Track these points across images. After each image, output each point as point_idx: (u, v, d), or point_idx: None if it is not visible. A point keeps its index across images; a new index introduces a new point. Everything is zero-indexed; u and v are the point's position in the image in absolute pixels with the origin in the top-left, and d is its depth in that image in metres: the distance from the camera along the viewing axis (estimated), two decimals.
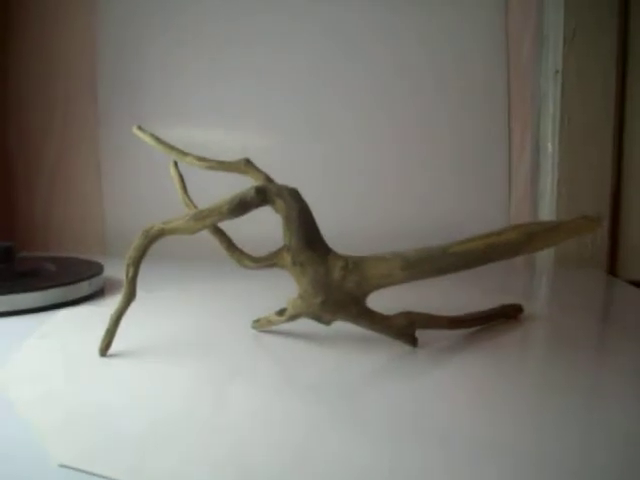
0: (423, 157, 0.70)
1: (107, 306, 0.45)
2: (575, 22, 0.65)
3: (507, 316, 0.42)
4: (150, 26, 0.75)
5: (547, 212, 0.68)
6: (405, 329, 0.35)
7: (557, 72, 0.66)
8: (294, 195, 0.34)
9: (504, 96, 0.69)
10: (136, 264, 0.34)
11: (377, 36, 0.70)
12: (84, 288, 0.49)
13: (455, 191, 0.70)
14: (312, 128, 0.72)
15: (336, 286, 0.33)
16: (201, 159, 0.38)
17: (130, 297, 0.34)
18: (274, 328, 0.39)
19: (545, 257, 0.68)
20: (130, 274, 0.34)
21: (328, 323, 0.35)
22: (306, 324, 0.36)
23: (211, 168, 0.38)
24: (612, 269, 0.68)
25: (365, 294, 0.34)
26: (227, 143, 0.72)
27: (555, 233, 0.32)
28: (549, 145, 0.68)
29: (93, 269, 0.53)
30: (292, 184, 0.35)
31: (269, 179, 0.37)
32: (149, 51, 0.75)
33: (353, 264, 0.33)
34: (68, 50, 0.77)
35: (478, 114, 0.69)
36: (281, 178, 0.37)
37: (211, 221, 0.34)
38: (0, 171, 0.79)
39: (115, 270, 0.56)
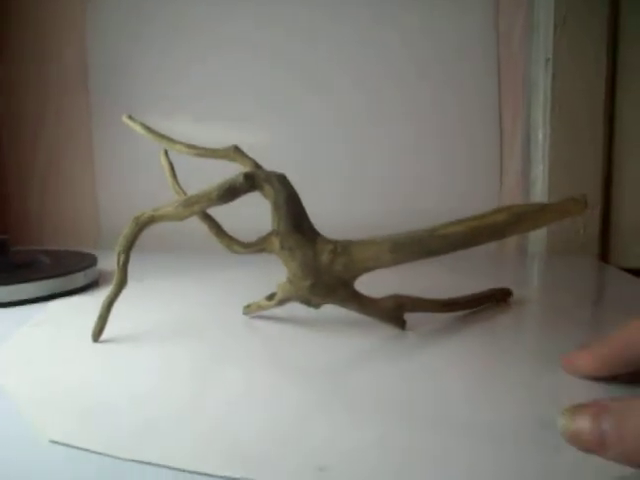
0: (413, 146, 0.71)
1: (102, 296, 0.45)
2: (566, 9, 0.65)
3: (496, 300, 0.43)
4: (143, 15, 0.74)
5: (538, 201, 0.68)
6: (393, 312, 0.36)
7: (548, 60, 0.66)
8: (282, 181, 0.34)
9: (495, 85, 0.69)
10: (127, 251, 0.34)
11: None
12: (79, 279, 0.50)
13: (446, 180, 0.70)
14: (301, 120, 0.72)
15: (325, 269, 0.33)
16: (190, 146, 0.38)
17: (122, 284, 0.34)
18: (265, 313, 0.40)
19: (537, 244, 0.69)
20: (121, 261, 0.34)
21: (317, 307, 0.35)
22: (297, 309, 0.36)
23: (200, 155, 0.38)
24: (604, 256, 0.69)
25: (353, 277, 0.34)
26: (223, 135, 0.72)
27: (542, 214, 0.32)
28: (540, 134, 0.68)
29: (87, 260, 0.53)
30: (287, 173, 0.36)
31: (257, 165, 0.37)
32: (142, 42, 0.75)
33: (341, 247, 0.33)
34: (60, 41, 0.77)
35: (468, 103, 0.70)
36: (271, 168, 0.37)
37: (200, 207, 0.34)
38: None
39: (109, 262, 0.56)
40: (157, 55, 0.74)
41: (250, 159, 0.37)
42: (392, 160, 0.71)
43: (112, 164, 0.77)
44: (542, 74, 0.67)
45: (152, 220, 0.34)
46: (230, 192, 0.33)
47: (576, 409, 0.19)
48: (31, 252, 0.59)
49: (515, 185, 0.70)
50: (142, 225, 0.34)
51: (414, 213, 0.66)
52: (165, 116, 0.72)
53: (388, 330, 0.36)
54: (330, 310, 0.36)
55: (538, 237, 0.68)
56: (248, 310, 0.40)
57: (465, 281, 0.50)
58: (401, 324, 0.36)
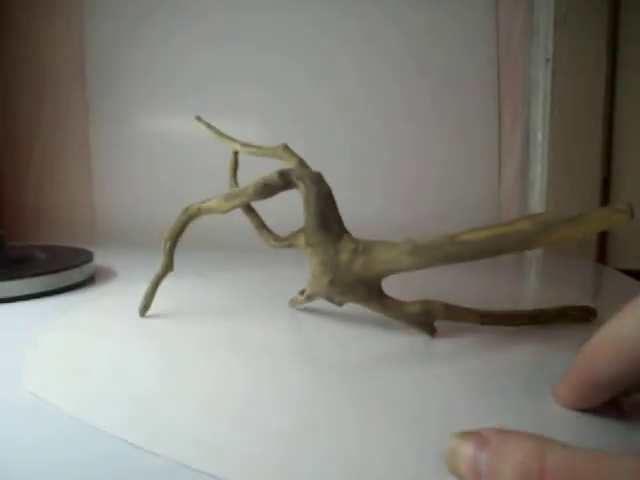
0: (413, 146, 0.69)
1: (99, 293, 0.47)
2: (566, 8, 0.63)
3: (573, 318, 0.38)
4: (141, 9, 0.75)
5: (537, 201, 0.67)
6: (420, 317, 0.35)
7: (548, 60, 0.64)
8: (315, 179, 0.35)
9: (494, 85, 0.67)
10: (174, 238, 0.38)
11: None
12: (75, 275, 0.49)
13: (445, 180, 0.69)
14: (301, 118, 0.72)
15: (344, 268, 0.34)
16: (244, 145, 0.41)
17: (167, 267, 0.38)
18: (316, 306, 0.41)
19: None
20: (167, 247, 0.38)
21: (340, 304, 0.36)
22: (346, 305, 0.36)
23: (252, 153, 0.40)
24: (601, 258, 0.66)
25: (375, 278, 0.34)
26: (223, 129, 0.72)
27: (575, 225, 0.29)
28: (539, 134, 0.66)
29: (83, 256, 0.53)
30: None
31: (302, 163, 0.38)
32: (139, 35, 0.75)
33: (363, 247, 0.34)
34: (56, 34, 0.77)
35: (468, 103, 0.68)
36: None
37: (239, 202, 0.36)
38: None
39: (105, 258, 0.58)
40: (156, 48, 0.74)
41: (297, 157, 0.39)
42: (390, 158, 0.70)
43: (108, 160, 0.77)
44: (542, 74, 0.65)
45: (199, 212, 0.37)
46: (266, 189, 0.35)
47: (462, 436, 0.18)
48: (26, 247, 0.58)
49: (513, 185, 0.69)
50: (190, 215, 0.37)
51: (410, 212, 0.66)
52: (164, 111, 0.73)
53: (418, 335, 0.35)
54: (360, 309, 0.36)
55: None
56: (290, 303, 0.41)
57: (463, 280, 0.50)
58: (430, 330, 0.35)
